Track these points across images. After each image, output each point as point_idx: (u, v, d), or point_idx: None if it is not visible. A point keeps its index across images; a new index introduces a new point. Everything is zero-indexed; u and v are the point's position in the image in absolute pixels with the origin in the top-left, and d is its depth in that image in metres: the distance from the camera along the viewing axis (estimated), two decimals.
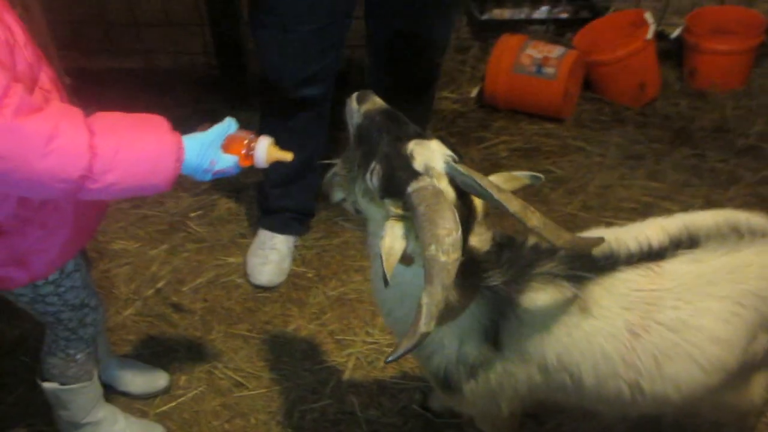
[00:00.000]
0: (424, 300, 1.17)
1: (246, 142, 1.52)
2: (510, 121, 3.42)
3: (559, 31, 3.84)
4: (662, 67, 3.53)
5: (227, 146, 1.50)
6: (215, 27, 3.38)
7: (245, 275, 2.60)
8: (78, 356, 1.86)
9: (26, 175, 1.29)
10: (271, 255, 2.58)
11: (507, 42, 3.46)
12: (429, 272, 1.18)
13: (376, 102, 1.42)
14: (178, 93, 3.48)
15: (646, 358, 1.48)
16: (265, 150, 1.53)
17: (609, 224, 2.58)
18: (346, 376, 2.28)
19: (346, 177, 1.49)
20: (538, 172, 3.04)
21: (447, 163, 1.32)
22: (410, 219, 1.28)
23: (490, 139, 3.30)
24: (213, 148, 1.48)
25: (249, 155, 1.52)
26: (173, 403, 2.23)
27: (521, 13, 3.84)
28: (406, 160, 1.31)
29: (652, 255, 1.49)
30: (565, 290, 1.46)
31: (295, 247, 2.69)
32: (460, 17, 2.41)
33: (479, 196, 1.32)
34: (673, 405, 1.57)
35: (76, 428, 2.04)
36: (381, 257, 1.24)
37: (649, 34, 3.33)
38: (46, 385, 1.92)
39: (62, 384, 1.91)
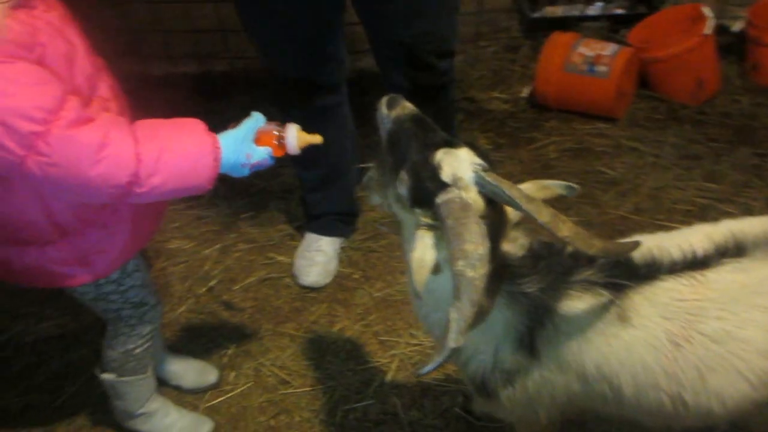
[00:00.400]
0: (453, 315, 1.17)
1: (276, 132, 1.57)
2: (561, 121, 3.37)
3: (613, 27, 3.76)
4: (723, 63, 3.41)
5: (259, 139, 1.55)
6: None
7: (293, 275, 2.66)
8: (137, 351, 1.95)
9: (79, 180, 1.37)
10: (317, 257, 2.63)
11: (558, 40, 3.41)
12: (457, 287, 1.18)
13: (406, 107, 1.43)
14: (232, 97, 3.59)
15: (688, 370, 1.43)
16: (295, 136, 1.58)
17: (662, 227, 2.53)
18: (390, 377, 2.30)
19: (380, 182, 1.50)
20: (589, 173, 3.06)
21: (475, 172, 1.31)
22: (440, 228, 1.28)
23: (541, 139, 3.26)
24: (246, 142, 1.53)
25: (281, 144, 1.57)
26: (222, 398, 2.29)
27: (574, 10, 3.78)
28: (434, 171, 1.31)
29: (696, 263, 1.44)
30: (604, 299, 1.43)
31: (341, 248, 2.73)
32: (456, 19, 2.35)
33: (508, 205, 1.32)
34: (719, 418, 1.52)
35: (131, 418, 2.14)
36: (411, 269, 1.25)
37: (708, 29, 3.22)
38: (105, 376, 2.01)
39: (119, 376, 2.00)
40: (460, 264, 1.18)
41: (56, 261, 1.61)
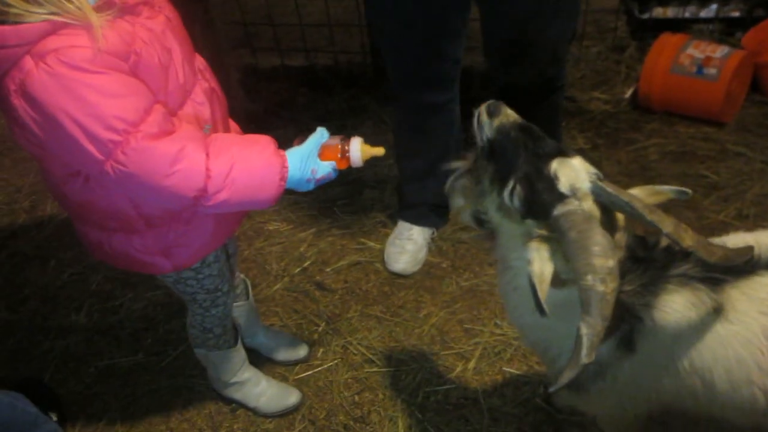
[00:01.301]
0: (584, 331, 1.15)
1: (339, 146, 1.62)
2: (664, 123, 3.28)
3: (727, 30, 3.61)
4: None
5: (323, 154, 1.61)
6: (371, 28, 3.56)
7: (383, 261, 2.74)
8: (214, 329, 2.06)
9: (151, 189, 1.44)
10: (407, 245, 2.70)
11: (667, 41, 3.32)
12: (587, 302, 1.15)
13: (510, 115, 1.40)
14: (336, 90, 3.72)
15: None
16: (359, 149, 1.63)
17: None
18: (472, 364, 2.33)
19: (473, 189, 1.48)
20: (690, 176, 2.97)
21: (593, 182, 1.28)
22: (555, 240, 1.26)
23: (641, 141, 3.18)
24: (312, 158, 1.58)
25: (345, 157, 1.63)
26: (310, 372, 2.40)
27: (687, 12, 3.66)
28: (551, 182, 1.28)
29: None
30: (701, 293, 1.41)
31: (432, 239, 2.79)
32: (577, 19, 2.32)
33: (629, 215, 1.29)
34: None
35: (224, 386, 2.27)
36: (533, 284, 1.21)
37: None
38: (197, 350, 2.15)
39: (209, 350, 2.13)
40: (589, 279, 1.15)
41: (141, 249, 1.69)
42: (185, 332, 2.51)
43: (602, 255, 1.16)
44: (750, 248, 1.35)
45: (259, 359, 2.44)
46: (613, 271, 1.16)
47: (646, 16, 3.72)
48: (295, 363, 2.43)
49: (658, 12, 3.77)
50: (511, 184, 1.32)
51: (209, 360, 2.18)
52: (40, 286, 2.86)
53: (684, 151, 3.09)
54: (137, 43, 1.41)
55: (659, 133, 3.22)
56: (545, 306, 1.20)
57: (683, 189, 1.35)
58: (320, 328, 2.54)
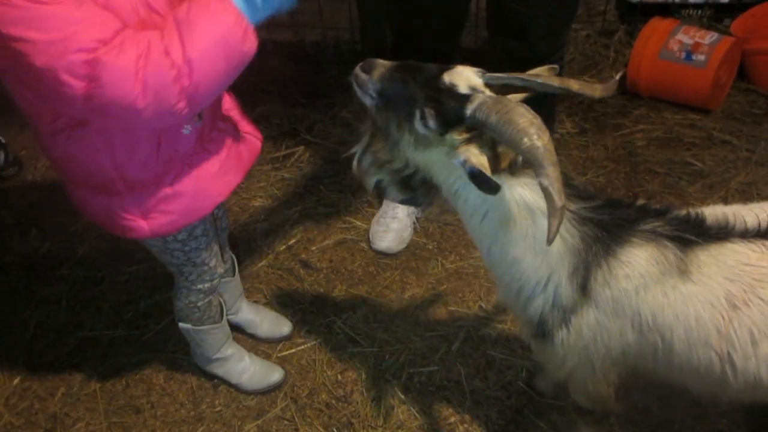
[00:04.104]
0: (545, 182, 1.22)
1: None
2: (651, 109, 3.29)
3: (716, 16, 3.62)
4: None
5: None
6: (360, 3, 3.51)
7: (368, 241, 2.74)
8: (199, 304, 2.05)
9: (130, 105, 1.35)
10: (392, 224, 2.70)
11: (656, 26, 3.31)
12: (534, 161, 1.24)
13: (384, 63, 1.46)
14: (323, 66, 3.67)
15: (741, 333, 1.43)
16: None
17: None
18: (456, 346, 2.35)
19: (383, 151, 1.51)
20: (677, 163, 2.99)
21: (483, 76, 1.40)
22: (477, 137, 1.37)
23: (628, 126, 3.20)
24: None
25: None
26: (293, 350, 2.40)
27: None
28: (450, 90, 1.37)
29: None
30: (667, 251, 1.45)
31: (417, 219, 2.78)
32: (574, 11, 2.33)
33: (524, 89, 1.44)
34: (766, 392, 1.50)
35: (207, 362, 2.27)
36: (476, 171, 1.31)
37: None
38: (181, 324, 2.14)
39: (194, 325, 2.12)
40: (525, 141, 1.24)
41: (121, 211, 1.68)
42: (168, 307, 2.51)
43: (525, 116, 1.25)
44: (614, 80, 1.56)
45: (242, 336, 2.44)
46: (540, 125, 1.25)
47: (635, 0, 3.71)
48: (279, 341, 2.43)
49: None
50: (417, 113, 1.39)
51: (192, 335, 2.17)
52: (22, 254, 2.82)
53: (670, 137, 3.11)
54: None
55: (646, 119, 3.23)
56: (495, 181, 1.30)
57: (553, 66, 1.49)
58: (304, 307, 2.53)
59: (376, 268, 2.66)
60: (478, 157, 1.34)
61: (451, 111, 1.36)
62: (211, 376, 2.32)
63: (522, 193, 1.43)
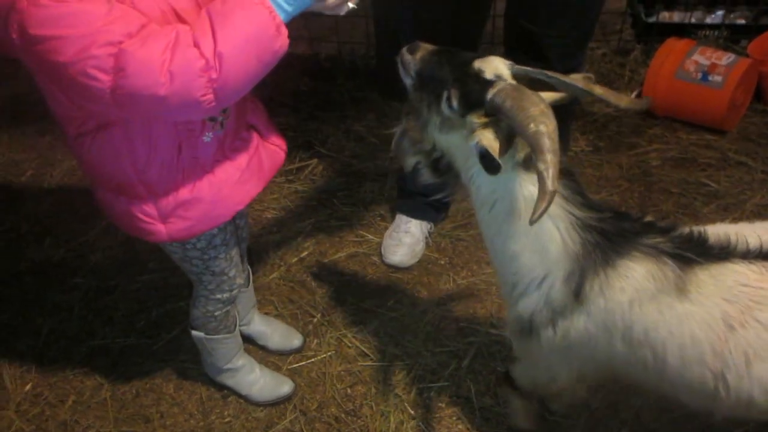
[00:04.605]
0: (542, 167, 1.25)
1: None
2: (666, 129, 3.28)
3: (733, 38, 3.61)
4: None
5: None
6: (376, 18, 3.53)
7: (381, 255, 2.74)
8: (216, 313, 2.06)
9: (156, 95, 1.36)
10: (404, 238, 2.70)
11: (672, 46, 3.32)
12: (537, 145, 1.26)
13: (427, 47, 1.53)
14: (338, 80, 3.69)
15: (736, 353, 1.43)
16: None
17: None
18: (466, 362, 2.34)
19: (416, 127, 1.57)
20: (692, 184, 2.98)
21: (511, 67, 1.46)
22: (494, 123, 1.40)
23: (643, 146, 3.19)
24: None
25: None
26: (304, 362, 2.40)
27: (693, 17, 3.66)
28: (477, 76, 1.43)
29: None
30: (667, 268, 1.45)
31: (430, 233, 2.78)
32: (596, 18, 2.33)
33: (548, 85, 1.47)
34: (759, 412, 1.49)
35: (218, 372, 2.27)
36: (484, 149, 1.36)
37: None
38: (194, 332, 2.15)
39: (207, 334, 2.13)
40: (531, 126, 1.27)
41: (140, 215, 1.71)
42: (179, 317, 2.53)
43: (535, 104, 1.29)
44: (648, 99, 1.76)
45: (253, 348, 2.44)
46: (549, 114, 1.29)
47: (652, 19, 3.72)
48: (289, 353, 2.43)
49: (664, 16, 3.77)
50: (445, 93, 1.46)
51: (205, 343, 2.17)
52: (36, 262, 2.84)
53: (685, 157, 3.10)
54: None
55: (661, 138, 3.23)
56: (498, 161, 1.35)
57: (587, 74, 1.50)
58: (315, 320, 2.53)
59: (387, 283, 2.65)
60: (489, 140, 1.38)
61: (473, 94, 1.42)
62: (221, 387, 2.32)
63: (531, 189, 1.46)
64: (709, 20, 3.67)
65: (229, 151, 1.73)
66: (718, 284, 1.44)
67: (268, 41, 1.41)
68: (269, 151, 1.85)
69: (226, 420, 2.26)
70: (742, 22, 3.67)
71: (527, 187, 1.47)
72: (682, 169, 3.04)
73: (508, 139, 1.41)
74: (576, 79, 1.45)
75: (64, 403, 2.34)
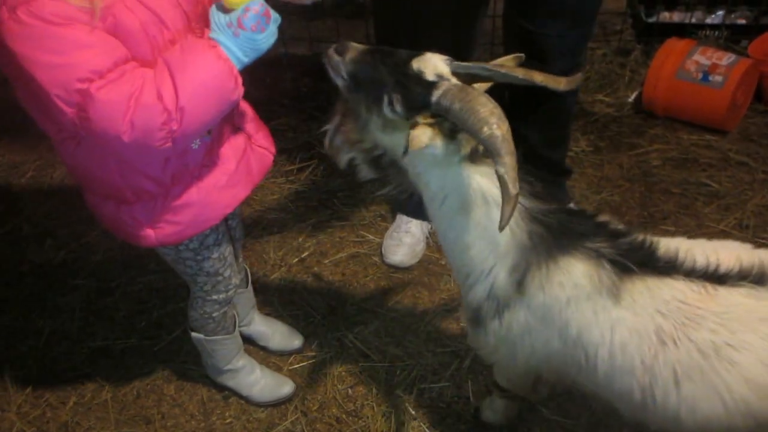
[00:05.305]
0: (501, 170, 1.24)
1: None
2: (667, 129, 3.28)
3: (733, 38, 3.61)
4: None
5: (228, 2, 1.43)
6: (376, 20, 3.53)
7: (381, 255, 2.74)
8: (214, 315, 2.06)
9: (115, 137, 1.38)
10: (405, 238, 2.70)
11: (673, 46, 3.31)
12: (493, 149, 1.26)
13: (357, 47, 1.49)
14: None
15: (665, 369, 1.44)
16: None
17: (765, 246, 2.42)
18: (467, 363, 2.33)
19: (353, 130, 1.54)
20: (693, 184, 2.98)
21: (450, 64, 1.43)
22: (438, 124, 1.38)
23: (643, 146, 3.19)
24: (230, 21, 1.42)
25: None
26: (304, 363, 2.40)
27: (693, 18, 3.66)
28: (418, 77, 1.40)
29: (714, 277, 1.44)
30: (603, 271, 1.46)
31: (430, 233, 2.78)
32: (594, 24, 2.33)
33: (488, 78, 1.46)
34: (688, 429, 1.49)
35: (218, 373, 2.27)
36: (409, 140, 1.35)
37: None
38: (194, 334, 2.14)
39: (207, 335, 2.13)
40: (485, 130, 1.26)
41: (128, 219, 1.71)
42: (180, 318, 2.52)
43: (486, 106, 1.28)
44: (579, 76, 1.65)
45: (253, 348, 2.44)
46: (499, 114, 1.28)
47: (652, 19, 3.72)
48: (290, 353, 2.43)
49: (665, 16, 3.77)
50: (386, 97, 1.42)
51: (204, 345, 2.17)
52: (37, 263, 2.85)
53: (686, 158, 3.09)
54: (116, 6, 1.41)
55: (662, 138, 3.22)
56: (409, 150, 1.35)
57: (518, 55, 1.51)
58: (316, 320, 2.53)
59: (388, 283, 2.65)
60: (422, 135, 1.37)
61: (417, 97, 1.39)
62: (222, 388, 2.32)
63: (480, 181, 1.47)
64: (709, 20, 3.66)
65: (217, 156, 1.73)
66: (654, 297, 1.44)
67: (228, 93, 1.46)
68: (258, 154, 1.85)
69: (227, 421, 2.26)
70: (743, 22, 3.67)
71: (476, 179, 1.47)
72: (683, 169, 3.04)
73: (454, 138, 1.41)
74: (515, 70, 1.44)
75: (65, 404, 2.34)
